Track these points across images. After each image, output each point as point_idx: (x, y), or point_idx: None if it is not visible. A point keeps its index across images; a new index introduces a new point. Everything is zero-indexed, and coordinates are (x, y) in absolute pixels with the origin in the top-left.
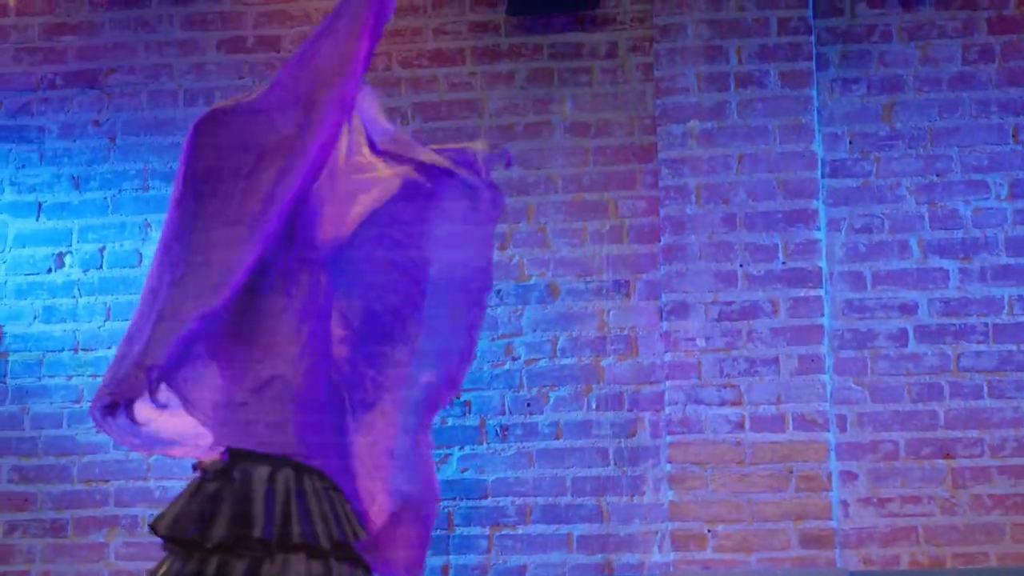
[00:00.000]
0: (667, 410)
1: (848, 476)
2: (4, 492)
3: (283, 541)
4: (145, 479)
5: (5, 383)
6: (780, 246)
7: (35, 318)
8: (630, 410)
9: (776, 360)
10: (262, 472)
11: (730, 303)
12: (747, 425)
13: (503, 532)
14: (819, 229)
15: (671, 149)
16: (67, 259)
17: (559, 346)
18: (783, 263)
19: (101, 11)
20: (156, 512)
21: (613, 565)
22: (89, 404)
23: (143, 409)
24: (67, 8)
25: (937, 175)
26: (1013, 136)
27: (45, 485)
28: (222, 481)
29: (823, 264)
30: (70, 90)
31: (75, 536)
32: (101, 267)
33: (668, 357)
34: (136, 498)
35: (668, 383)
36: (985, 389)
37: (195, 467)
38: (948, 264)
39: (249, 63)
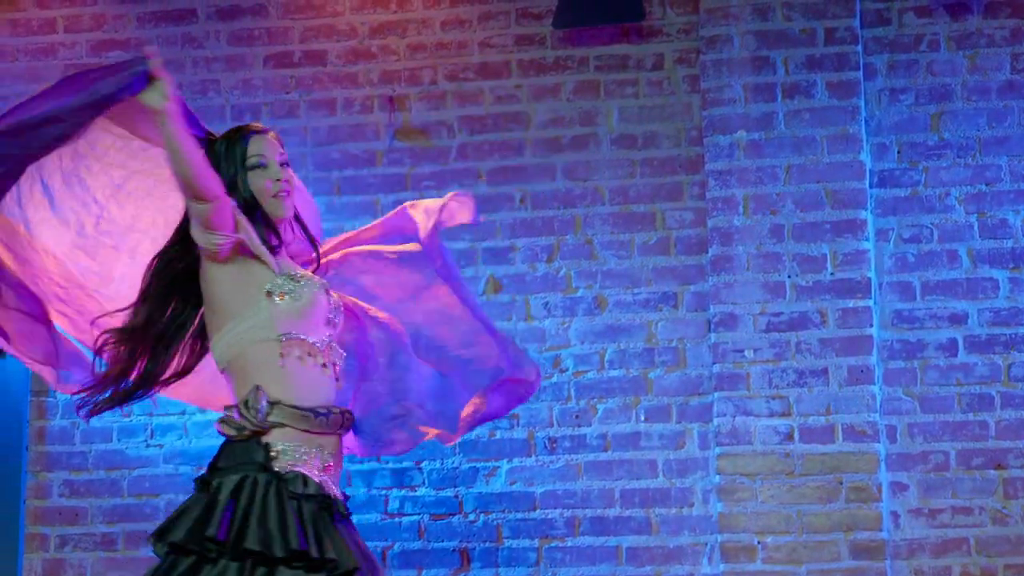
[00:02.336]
0: (716, 421)
1: (898, 487)
2: (55, 506)
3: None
4: None
5: (55, 397)
6: (828, 256)
7: None
8: (679, 422)
9: (825, 371)
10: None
11: (778, 314)
12: (796, 436)
13: (552, 544)
14: (867, 239)
15: (718, 160)
16: None
17: (607, 358)
18: (831, 274)
19: (148, 27)
20: None
21: None
22: (137, 416)
23: None
24: (114, 25)
25: (986, 184)
26: None
27: (96, 499)
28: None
29: (872, 274)
30: None
31: (125, 550)
32: None
33: (716, 368)
34: None
35: (716, 394)
36: None
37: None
38: (998, 274)
39: (296, 78)
